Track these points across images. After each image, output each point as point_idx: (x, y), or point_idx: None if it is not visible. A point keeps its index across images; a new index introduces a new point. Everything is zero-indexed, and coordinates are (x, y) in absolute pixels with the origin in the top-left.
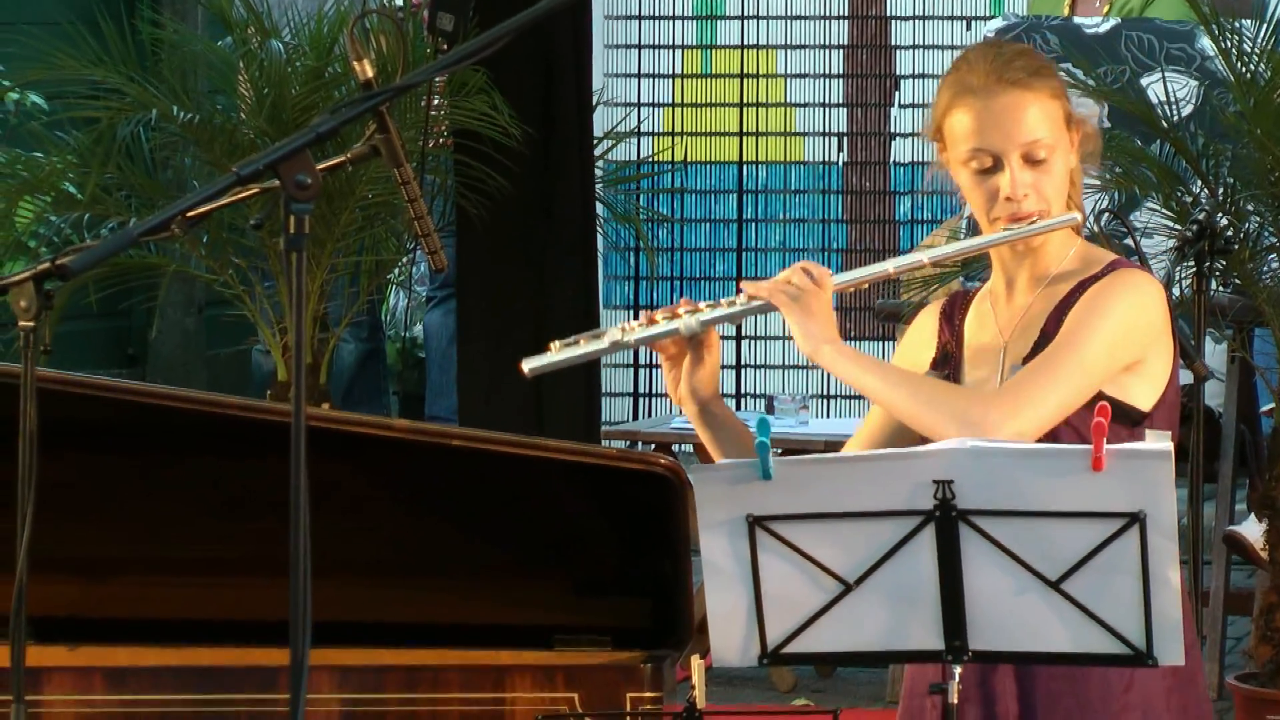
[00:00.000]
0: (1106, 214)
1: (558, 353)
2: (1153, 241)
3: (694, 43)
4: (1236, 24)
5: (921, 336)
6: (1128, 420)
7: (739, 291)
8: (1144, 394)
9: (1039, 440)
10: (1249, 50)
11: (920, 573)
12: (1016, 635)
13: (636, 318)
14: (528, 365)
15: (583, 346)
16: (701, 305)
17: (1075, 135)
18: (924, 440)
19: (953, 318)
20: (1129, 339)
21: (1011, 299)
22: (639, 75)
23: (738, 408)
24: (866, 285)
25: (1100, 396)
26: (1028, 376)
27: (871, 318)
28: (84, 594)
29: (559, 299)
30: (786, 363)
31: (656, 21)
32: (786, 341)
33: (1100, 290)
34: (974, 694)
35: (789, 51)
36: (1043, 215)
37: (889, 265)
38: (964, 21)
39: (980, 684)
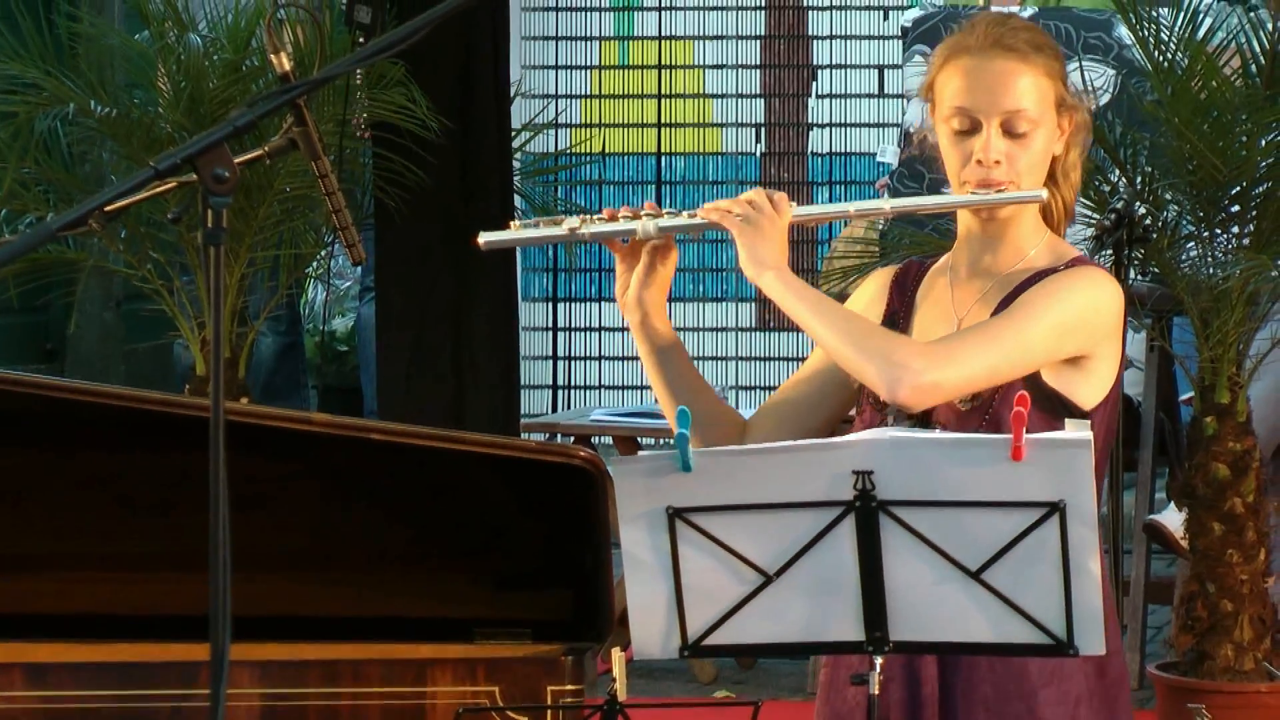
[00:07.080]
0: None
1: (516, 231)
2: (1072, 230)
3: (611, 34)
4: (1154, 12)
5: (868, 297)
6: (1070, 417)
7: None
8: (1088, 392)
9: (970, 408)
10: (1166, 38)
11: (841, 564)
12: (938, 626)
13: (555, 312)
14: (483, 238)
15: (541, 229)
16: (664, 211)
17: (1066, 122)
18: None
19: (905, 286)
20: (1078, 330)
21: (971, 280)
22: (556, 67)
23: None
24: (826, 221)
25: (1041, 389)
26: (963, 334)
27: None
28: (2, 590)
29: (478, 292)
30: (708, 354)
31: (573, 13)
32: (706, 333)
33: (1059, 278)
34: (899, 674)
35: (706, 43)
36: (1013, 188)
37: (850, 206)
38: (881, 11)
39: (905, 664)
